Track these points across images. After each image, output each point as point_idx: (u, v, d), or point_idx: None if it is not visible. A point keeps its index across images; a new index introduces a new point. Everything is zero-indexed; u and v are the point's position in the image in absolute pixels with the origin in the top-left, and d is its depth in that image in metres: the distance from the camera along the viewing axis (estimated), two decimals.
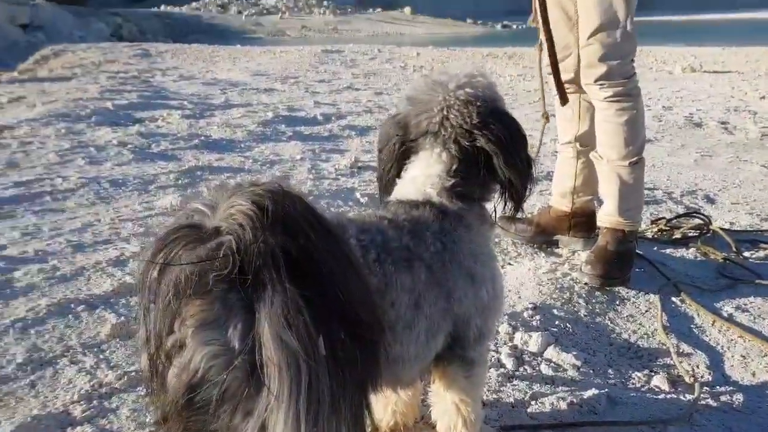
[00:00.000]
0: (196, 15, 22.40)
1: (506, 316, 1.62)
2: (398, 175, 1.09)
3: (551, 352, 1.48)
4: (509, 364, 1.43)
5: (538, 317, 1.63)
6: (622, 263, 1.89)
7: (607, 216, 1.96)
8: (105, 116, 4.25)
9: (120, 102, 4.81)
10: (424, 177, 1.05)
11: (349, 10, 29.39)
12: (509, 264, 2.04)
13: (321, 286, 0.63)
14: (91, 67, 8.77)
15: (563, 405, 1.28)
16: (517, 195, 1.09)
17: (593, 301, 1.77)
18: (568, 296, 1.77)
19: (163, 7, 22.28)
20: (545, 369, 1.43)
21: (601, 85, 1.88)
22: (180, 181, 2.78)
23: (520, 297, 1.77)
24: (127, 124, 4.16)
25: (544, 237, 2.21)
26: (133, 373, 1.29)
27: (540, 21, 1.95)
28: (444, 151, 1.04)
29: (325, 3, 29.23)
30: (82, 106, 4.51)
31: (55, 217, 2.24)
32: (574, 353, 1.48)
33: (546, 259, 2.05)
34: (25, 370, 1.29)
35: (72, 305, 1.56)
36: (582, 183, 2.17)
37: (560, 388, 1.36)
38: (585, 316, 1.69)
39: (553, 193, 2.28)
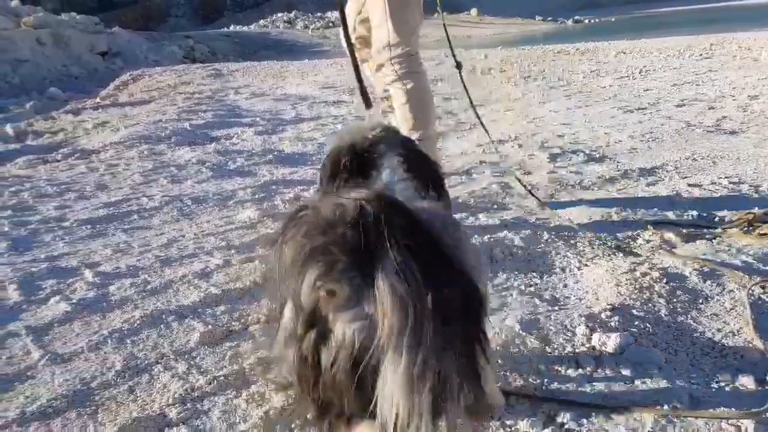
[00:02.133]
0: (263, 32, 23.26)
1: (583, 317, 1.59)
2: None
3: (631, 353, 1.44)
4: (588, 365, 1.40)
5: (616, 318, 1.59)
6: None
7: None
8: (183, 136, 4.50)
9: (197, 122, 5.08)
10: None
11: None
12: (585, 265, 1.99)
13: (430, 256, 0.75)
14: (168, 90, 9.31)
15: (643, 405, 1.24)
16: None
17: (674, 300, 1.70)
18: (647, 296, 1.71)
19: (232, 27, 23.34)
20: (625, 370, 1.39)
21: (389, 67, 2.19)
22: (257, 196, 2.91)
23: (597, 298, 1.72)
24: (204, 142, 4.40)
25: None
26: (222, 378, 1.37)
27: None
28: None
29: None
30: (162, 128, 4.80)
31: (143, 234, 2.41)
32: (655, 353, 1.43)
33: (624, 259, 1.98)
34: (124, 377, 1.40)
35: (163, 316, 1.68)
36: None
37: (640, 388, 1.32)
38: (666, 315, 1.62)
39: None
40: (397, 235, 0.71)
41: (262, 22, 27.27)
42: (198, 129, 4.81)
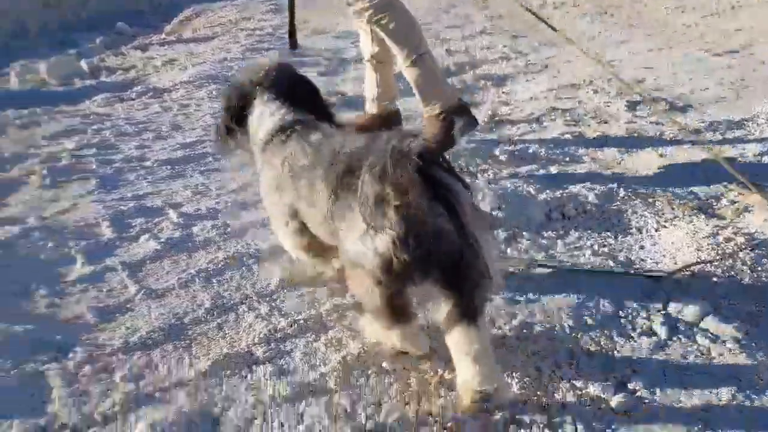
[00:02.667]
0: None
1: (660, 283, 1.56)
2: None
3: (709, 322, 1.41)
4: (662, 332, 1.39)
5: (695, 285, 1.55)
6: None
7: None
8: None
9: (262, 62, 5.10)
10: None
11: None
12: (664, 226, 1.93)
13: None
14: (230, 26, 9.30)
15: (719, 377, 1.23)
16: None
17: (759, 268, 1.64)
18: (730, 263, 1.65)
19: None
20: (701, 340, 1.37)
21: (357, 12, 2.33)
22: None
23: (675, 263, 1.68)
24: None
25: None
26: (301, 321, 1.45)
27: None
28: None
29: None
30: (227, 67, 4.85)
31: (218, 177, 2.50)
32: (735, 324, 1.40)
33: (706, 222, 1.91)
34: (213, 314, 1.51)
35: (244, 258, 1.77)
36: (383, 92, 2.70)
37: (717, 360, 1.30)
38: (749, 284, 1.57)
39: (366, 100, 2.77)
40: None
41: None
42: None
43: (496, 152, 2.68)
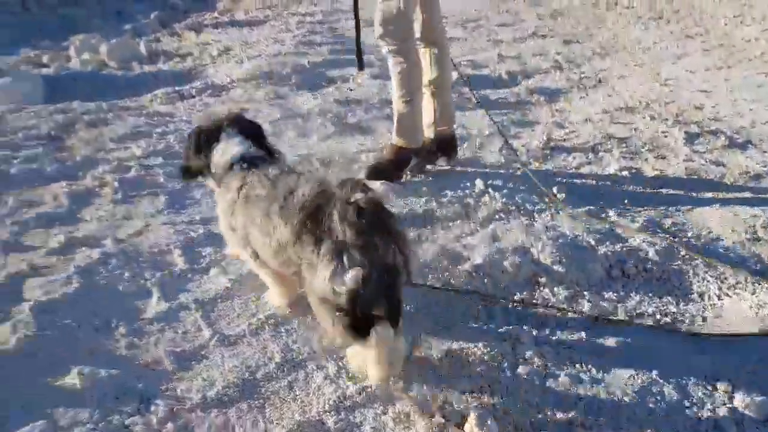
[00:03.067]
0: None
1: (727, 369, 1.55)
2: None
3: None
4: (729, 430, 1.40)
5: (763, 374, 1.54)
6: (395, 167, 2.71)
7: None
8: (303, 76, 4.57)
9: (313, 59, 5.11)
10: None
11: None
12: (726, 295, 1.92)
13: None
14: (280, 9, 9.32)
15: None
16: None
17: None
18: None
19: None
20: None
21: (382, 41, 2.57)
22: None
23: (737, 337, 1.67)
24: (321, 84, 4.45)
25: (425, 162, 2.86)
26: (369, 389, 1.50)
27: None
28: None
29: None
30: (282, 63, 4.88)
31: None
32: None
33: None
34: (283, 370, 1.58)
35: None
36: (441, 116, 2.85)
37: None
38: None
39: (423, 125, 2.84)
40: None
41: None
42: (315, 67, 4.85)
43: (555, 189, 2.67)
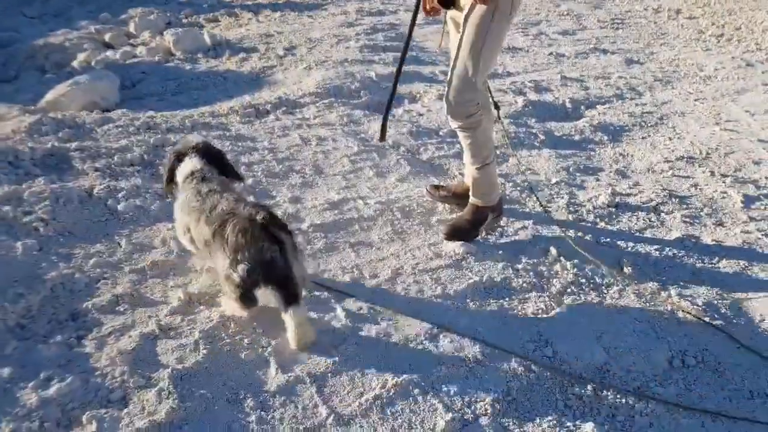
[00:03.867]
0: None
1: None
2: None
3: None
4: None
5: None
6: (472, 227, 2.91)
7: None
8: (372, 93, 4.69)
9: (380, 70, 5.20)
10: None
11: None
12: None
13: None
14: None
15: None
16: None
17: None
18: None
19: None
20: None
21: (453, 119, 2.73)
22: (454, 213, 3.12)
23: None
24: (394, 106, 4.57)
25: (455, 201, 3.15)
26: None
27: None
28: None
29: None
30: (350, 75, 4.99)
31: (369, 256, 2.74)
32: None
33: None
34: None
35: (410, 387, 2.06)
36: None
37: None
38: None
39: (466, 174, 3.07)
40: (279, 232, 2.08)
41: None
42: (382, 81, 4.95)
43: (624, 260, 2.82)
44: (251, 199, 2.73)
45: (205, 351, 2.10)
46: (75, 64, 5.54)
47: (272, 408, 1.93)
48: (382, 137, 2.84)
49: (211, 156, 2.45)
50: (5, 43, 6.22)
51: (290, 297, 2.08)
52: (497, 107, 2.92)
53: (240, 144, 3.69)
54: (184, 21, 7.27)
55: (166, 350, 2.10)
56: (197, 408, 1.90)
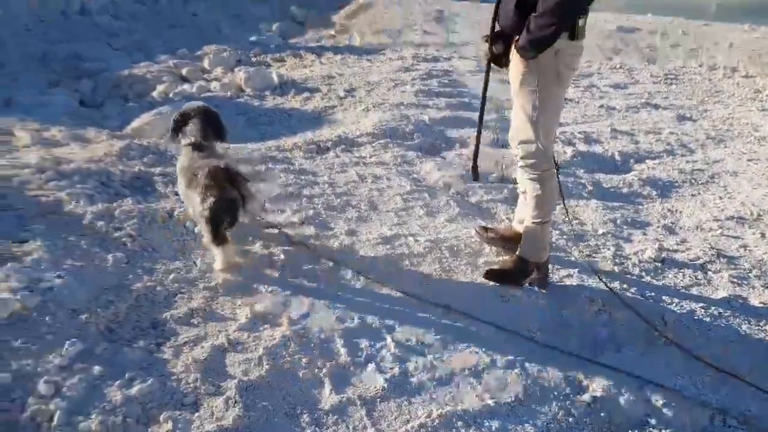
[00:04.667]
0: None
1: None
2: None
3: None
4: None
5: None
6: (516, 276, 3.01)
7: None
8: (425, 136, 4.94)
9: (433, 115, 5.47)
10: None
11: None
12: None
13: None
14: (394, 35, 9.75)
15: None
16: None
17: None
18: None
19: None
20: None
21: (522, 171, 2.87)
22: (500, 257, 3.27)
23: None
24: (441, 147, 4.80)
25: (502, 244, 3.29)
26: None
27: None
28: None
29: None
30: (404, 117, 5.26)
31: (419, 293, 2.93)
32: None
33: None
34: None
35: (453, 419, 2.19)
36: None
37: None
38: None
39: (515, 219, 3.27)
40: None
41: None
42: (435, 125, 5.21)
43: (665, 316, 2.89)
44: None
45: (267, 366, 2.30)
46: (155, 94, 6.03)
47: (326, 425, 2.10)
48: (475, 177, 3.15)
49: (208, 118, 3.07)
50: (94, 71, 6.84)
51: (232, 224, 2.81)
52: (557, 166, 2.99)
53: (303, 177, 3.96)
54: (253, 59, 7.80)
55: (234, 362, 2.31)
56: (259, 418, 2.08)
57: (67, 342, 2.26)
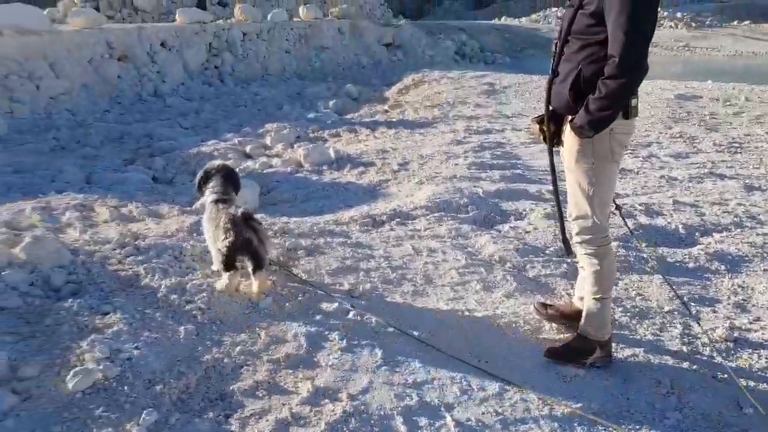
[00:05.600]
0: (533, 28, 22.85)
1: None
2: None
3: None
4: None
5: None
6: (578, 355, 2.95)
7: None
8: (479, 208, 4.99)
9: (487, 187, 5.54)
10: None
11: (707, 22, 25.43)
12: None
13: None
14: (447, 108, 10.06)
15: None
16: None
17: None
18: None
19: (503, 19, 23.45)
20: None
21: (579, 247, 2.86)
22: (561, 335, 3.22)
23: None
24: (498, 220, 4.84)
25: (562, 321, 3.26)
26: None
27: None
28: None
29: (678, 14, 26.10)
30: (458, 190, 5.34)
31: (476, 369, 2.91)
32: None
33: None
34: None
35: None
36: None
37: None
38: None
39: (575, 295, 3.28)
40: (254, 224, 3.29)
41: (534, 16, 26.76)
42: (489, 197, 5.27)
43: (739, 401, 2.73)
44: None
45: None
46: None
47: None
48: (568, 252, 3.13)
49: (227, 176, 3.62)
50: (166, 149, 7.37)
51: (257, 264, 3.27)
52: (619, 208, 3.00)
53: (359, 251, 4.07)
54: (311, 135, 8.21)
55: None
56: None
57: (144, 412, 2.37)
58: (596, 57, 2.53)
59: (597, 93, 2.49)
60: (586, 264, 2.90)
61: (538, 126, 2.91)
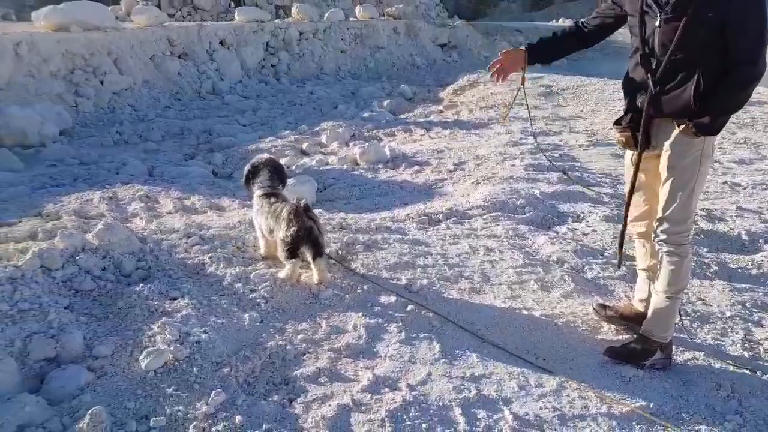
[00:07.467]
0: None
1: None
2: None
3: None
4: None
5: None
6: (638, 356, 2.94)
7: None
8: (536, 210, 4.97)
9: (544, 189, 5.49)
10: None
11: None
12: None
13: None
14: (503, 110, 9.98)
15: None
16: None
17: None
18: None
19: (560, 20, 23.04)
20: None
21: (660, 244, 2.84)
22: (620, 336, 3.19)
23: None
24: (555, 222, 4.80)
25: (621, 322, 3.25)
26: None
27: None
28: None
29: None
30: (515, 191, 5.33)
31: (534, 367, 2.92)
32: None
33: None
34: None
35: None
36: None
37: None
38: None
39: (634, 297, 3.27)
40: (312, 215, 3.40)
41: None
42: (546, 199, 5.23)
43: None
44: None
45: (390, 428, 2.40)
46: None
47: None
48: (620, 263, 3.23)
49: (274, 169, 3.77)
50: (225, 145, 7.65)
51: (318, 252, 3.37)
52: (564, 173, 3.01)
53: (416, 248, 4.14)
54: (366, 134, 8.33)
55: (358, 422, 2.44)
56: None
57: (213, 392, 2.51)
58: (712, 61, 2.56)
59: (726, 94, 2.57)
60: (665, 262, 2.86)
61: (629, 133, 2.88)
